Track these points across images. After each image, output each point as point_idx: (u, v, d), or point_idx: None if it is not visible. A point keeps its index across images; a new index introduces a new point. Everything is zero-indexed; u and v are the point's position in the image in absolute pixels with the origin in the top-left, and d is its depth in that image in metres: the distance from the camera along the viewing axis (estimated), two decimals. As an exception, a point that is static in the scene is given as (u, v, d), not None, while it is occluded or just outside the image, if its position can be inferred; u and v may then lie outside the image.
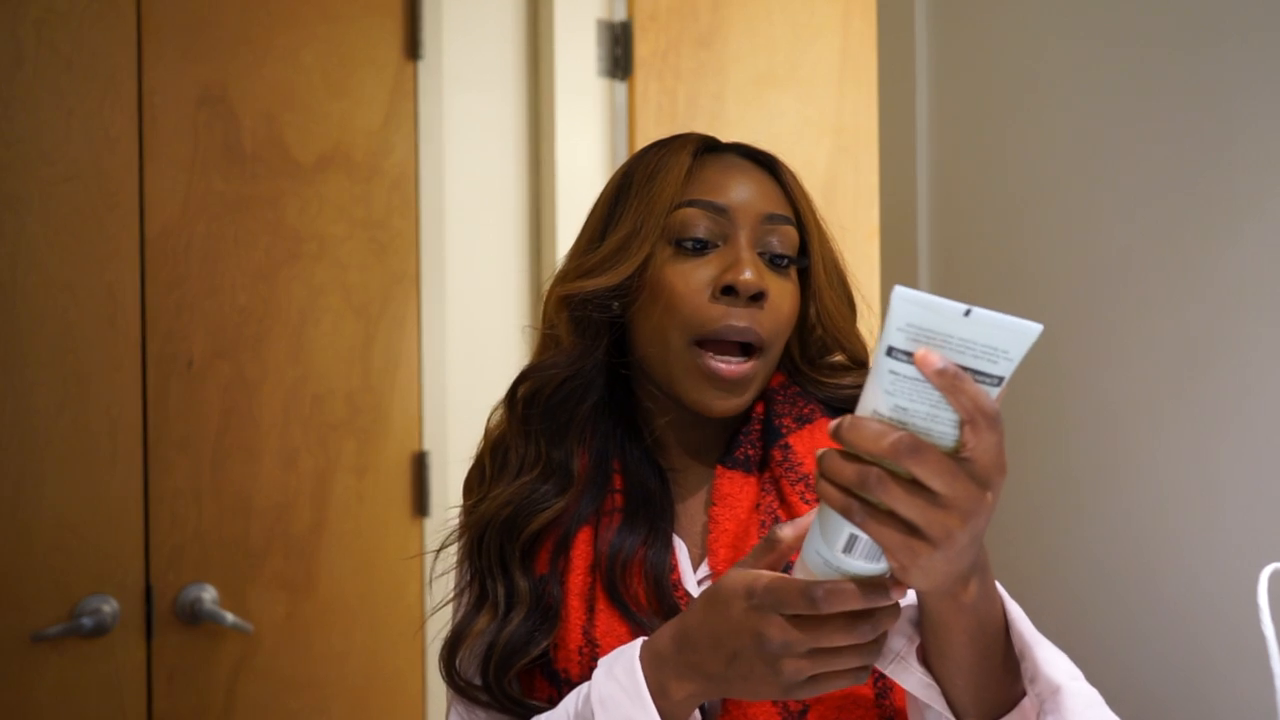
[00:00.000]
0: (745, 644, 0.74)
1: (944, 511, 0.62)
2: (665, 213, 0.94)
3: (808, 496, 0.93)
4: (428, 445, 2.03)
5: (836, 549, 0.67)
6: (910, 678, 0.80)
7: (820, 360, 1.01)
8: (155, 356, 1.79)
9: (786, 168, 1.01)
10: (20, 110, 1.69)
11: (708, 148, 1.00)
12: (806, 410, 0.98)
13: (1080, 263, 1.14)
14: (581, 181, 2.19)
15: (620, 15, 2.23)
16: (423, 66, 2.05)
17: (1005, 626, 0.80)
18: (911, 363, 0.60)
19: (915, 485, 0.62)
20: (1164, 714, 1.06)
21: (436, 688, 2.03)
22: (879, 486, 0.62)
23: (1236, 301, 0.99)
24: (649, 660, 0.81)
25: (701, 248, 0.94)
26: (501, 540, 0.96)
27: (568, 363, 0.97)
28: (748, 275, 0.92)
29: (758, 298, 0.92)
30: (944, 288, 1.33)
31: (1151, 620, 1.08)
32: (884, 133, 1.41)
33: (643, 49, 2.23)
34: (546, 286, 1.03)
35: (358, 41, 1.98)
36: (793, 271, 0.98)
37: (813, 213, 1.00)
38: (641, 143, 2.20)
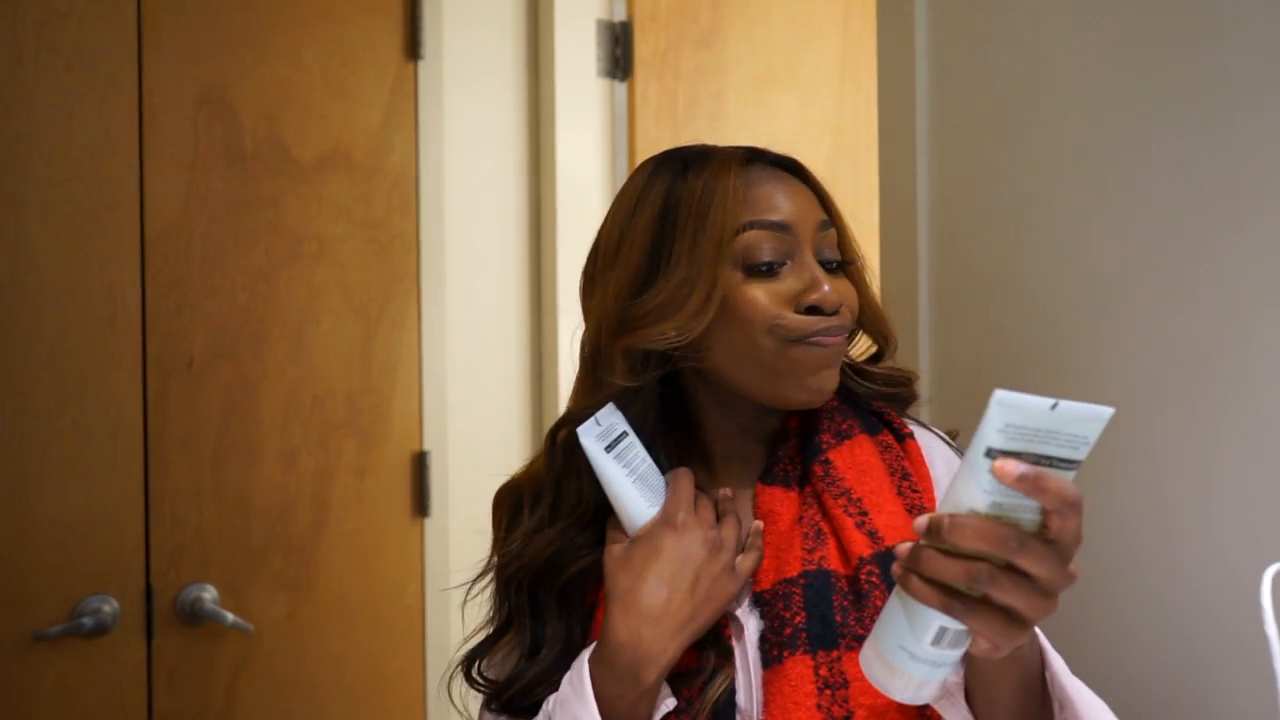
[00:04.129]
0: (699, 557, 0.90)
1: (1040, 594, 0.66)
2: (729, 240, 0.93)
3: (850, 510, 0.93)
4: (428, 445, 2.03)
5: (925, 642, 0.68)
6: (957, 714, 0.83)
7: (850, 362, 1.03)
8: (155, 356, 1.79)
9: (811, 172, 1.01)
10: (20, 110, 1.69)
11: (742, 162, 0.98)
12: (845, 426, 0.99)
13: (1080, 263, 1.14)
14: (581, 182, 2.19)
15: (620, 15, 2.23)
16: (423, 66, 2.05)
17: (1042, 665, 0.83)
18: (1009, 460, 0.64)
19: (1015, 573, 0.65)
20: (1165, 714, 1.06)
21: (436, 688, 2.03)
22: (990, 581, 0.65)
23: (1238, 301, 0.99)
24: (596, 658, 0.88)
25: (771, 269, 0.94)
26: (536, 585, 0.97)
27: (631, 410, 0.96)
28: (828, 293, 0.93)
29: (837, 310, 0.94)
30: (944, 288, 1.33)
31: (1154, 620, 1.08)
32: (884, 133, 1.41)
33: (643, 49, 2.23)
34: (580, 328, 1.00)
35: (358, 41, 1.98)
36: (838, 270, 0.99)
37: (840, 214, 1.00)
38: (642, 143, 2.20)
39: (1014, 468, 0.63)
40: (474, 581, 1.02)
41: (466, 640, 1.03)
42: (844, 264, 0.98)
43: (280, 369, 1.90)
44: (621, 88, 2.23)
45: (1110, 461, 1.11)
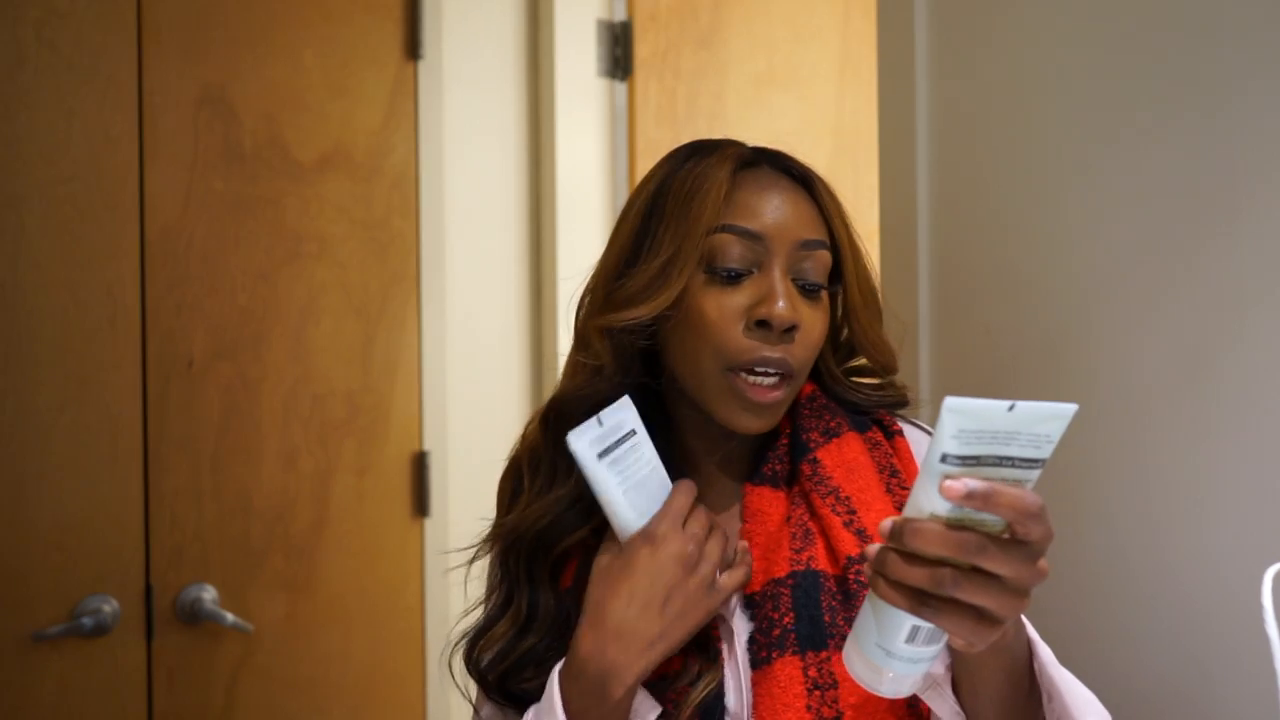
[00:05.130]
0: (672, 575, 0.87)
1: (1009, 592, 0.66)
2: (702, 237, 0.92)
3: (838, 509, 0.93)
4: (428, 445, 2.03)
5: (899, 641, 0.68)
6: (945, 705, 0.83)
7: (846, 367, 1.02)
8: (155, 356, 1.79)
9: (824, 185, 0.99)
10: (20, 110, 1.69)
11: (744, 162, 0.97)
12: (833, 424, 0.98)
13: (1080, 263, 1.14)
14: (581, 181, 2.19)
15: (620, 15, 2.23)
16: (423, 66, 2.05)
17: (1030, 655, 0.83)
18: (962, 465, 0.64)
19: (981, 574, 0.65)
20: (1165, 714, 1.06)
21: (436, 688, 2.03)
22: (953, 585, 0.65)
23: (1237, 300, 0.99)
24: (565, 671, 0.88)
25: (735, 276, 0.93)
26: (531, 555, 0.96)
27: (607, 388, 0.96)
28: (781, 309, 0.90)
29: (790, 330, 0.92)
30: (944, 288, 1.33)
31: (1153, 620, 1.08)
32: (884, 133, 1.41)
33: (643, 49, 2.23)
34: (575, 303, 1.01)
35: (358, 41, 1.98)
36: (824, 294, 0.96)
37: (848, 232, 0.98)
38: (642, 143, 2.20)
39: (960, 487, 0.62)
40: (474, 558, 1.02)
41: (467, 613, 1.02)
42: (823, 288, 0.96)
43: (280, 369, 1.90)
44: (621, 88, 2.23)
45: (1109, 461, 1.11)
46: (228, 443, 1.84)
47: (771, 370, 0.92)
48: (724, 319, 0.92)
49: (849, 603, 0.90)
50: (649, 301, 0.92)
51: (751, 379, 0.92)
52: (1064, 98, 1.17)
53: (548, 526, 0.96)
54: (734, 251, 0.92)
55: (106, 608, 1.72)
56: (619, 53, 2.22)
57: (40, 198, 1.70)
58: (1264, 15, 0.97)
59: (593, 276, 1.00)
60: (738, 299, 0.92)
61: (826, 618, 0.89)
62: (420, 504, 2.03)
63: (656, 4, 2.24)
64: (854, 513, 0.93)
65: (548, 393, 2.28)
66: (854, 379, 1.03)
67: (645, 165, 2.27)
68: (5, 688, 1.66)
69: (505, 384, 2.17)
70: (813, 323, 0.94)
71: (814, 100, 2.37)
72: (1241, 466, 0.99)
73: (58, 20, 1.72)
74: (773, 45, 2.34)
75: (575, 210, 2.17)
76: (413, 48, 2.04)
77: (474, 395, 2.11)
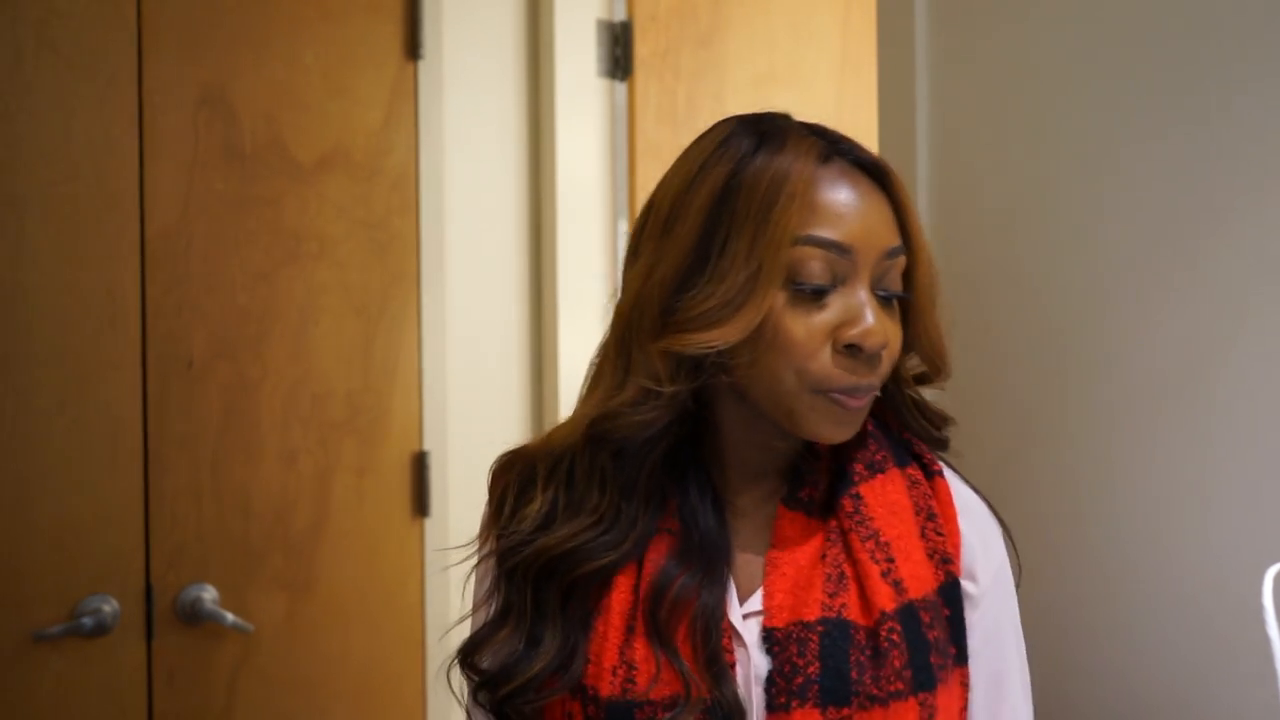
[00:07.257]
0: None
1: None
2: (786, 249, 0.85)
3: (877, 555, 0.89)
4: (428, 445, 2.03)
5: None
6: None
7: (904, 378, 0.97)
8: (155, 356, 1.79)
9: (898, 180, 0.91)
10: (20, 110, 1.69)
11: (822, 159, 0.89)
12: (879, 457, 0.94)
13: (1080, 263, 1.14)
14: (581, 181, 2.19)
15: (620, 15, 2.23)
16: (423, 66, 2.05)
17: None
18: None
19: None
20: (1165, 714, 1.06)
21: (437, 687, 2.03)
22: None
23: (1238, 300, 0.99)
24: None
25: (820, 293, 0.86)
26: (540, 577, 0.91)
27: (664, 409, 0.89)
28: (874, 334, 0.86)
29: (877, 352, 0.87)
30: (944, 287, 1.33)
31: (1154, 620, 1.08)
32: (884, 132, 1.41)
33: (643, 49, 2.23)
34: (610, 308, 0.94)
35: (358, 41, 1.98)
36: (897, 301, 0.90)
37: (920, 233, 0.92)
38: (642, 143, 2.20)
39: None
40: (476, 566, 0.99)
41: (461, 620, 0.99)
42: (901, 298, 0.90)
43: (280, 369, 1.90)
44: (621, 88, 2.23)
45: (1109, 461, 1.11)
46: (228, 443, 1.84)
47: (861, 393, 0.88)
48: (811, 340, 0.86)
49: (878, 659, 0.86)
50: (730, 323, 0.85)
51: (842, 394, 0.87)
52: (1064, 97, 1.17)
53: (571, 551, 0.90)
54: (817, 266, 0.86)
55: (106, 608, 1.72)
56: (619, 53, 2.22)
57: (40, 198, 1.70)
58: (1264, 15, 0.97)
59: (642, 283, 0.90)
60: (824, 317, 0.86)
61: (854, 674, 0.85)
62: (420, 504, 2.03)
63: (656, 4, 2.24)
64: (892, 560, 0.89)
65: (548, 393, 2.27)
66: (909, 394, 0.98)
67: (645, 165, 2.28)
68: (5, 688, 1.66)
69: (505, 384, 2.17)
70: (895, 336, 0.89)
71: (814, 100, 2.37)
72: (1241, 466, 0.99)
73: (58, 20, 1.72)
74: (773, 45, 2.34)
75: (575, 210, 2.17)
76: (413, 48, 2.04)
77: (474, 395, 2.11)
